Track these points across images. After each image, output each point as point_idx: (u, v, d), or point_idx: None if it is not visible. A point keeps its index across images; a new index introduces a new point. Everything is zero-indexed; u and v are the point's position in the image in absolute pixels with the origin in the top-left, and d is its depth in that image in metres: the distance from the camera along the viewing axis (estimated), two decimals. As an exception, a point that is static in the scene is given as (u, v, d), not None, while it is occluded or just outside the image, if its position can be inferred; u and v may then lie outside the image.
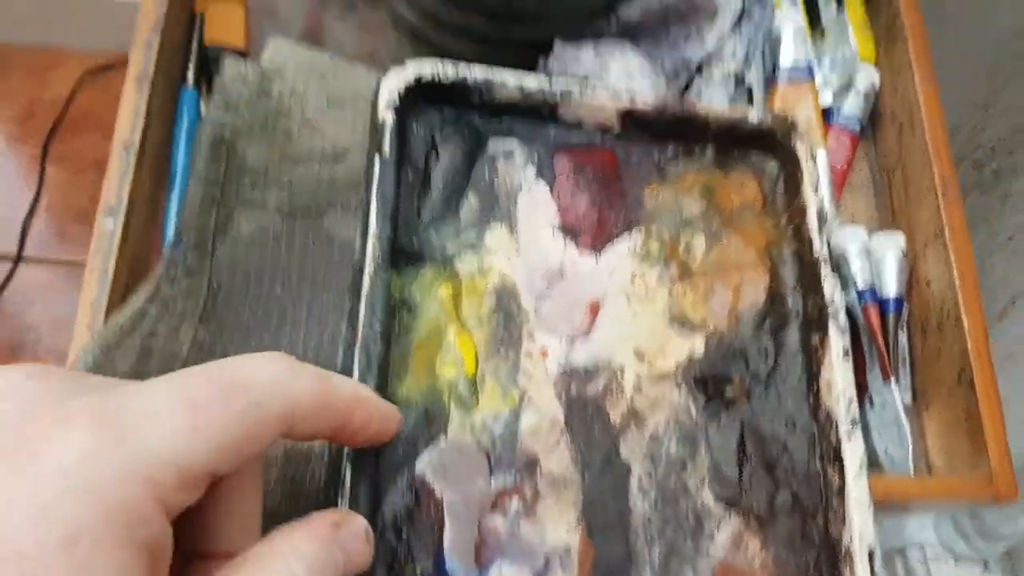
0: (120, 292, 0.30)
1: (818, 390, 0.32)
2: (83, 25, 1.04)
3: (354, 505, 0.24)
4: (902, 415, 0.35)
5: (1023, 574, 0.65)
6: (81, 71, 1.05)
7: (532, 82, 0.34)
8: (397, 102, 0.31)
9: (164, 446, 0.14)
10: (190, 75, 0.36)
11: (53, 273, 0.98)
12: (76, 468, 0.13)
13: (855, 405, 0.31)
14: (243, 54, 0.37)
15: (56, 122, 1.03)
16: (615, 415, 0.31)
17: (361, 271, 0.28)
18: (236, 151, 0.33)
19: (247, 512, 0.18)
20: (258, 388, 0.16)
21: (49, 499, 0.12)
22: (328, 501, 0.24)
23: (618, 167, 0.36)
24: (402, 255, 0.31)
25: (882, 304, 0.38)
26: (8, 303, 0.95)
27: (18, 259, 0.95)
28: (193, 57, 0.36)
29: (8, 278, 0.94)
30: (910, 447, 0.35)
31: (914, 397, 0.38)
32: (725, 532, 0.29)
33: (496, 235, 0.33)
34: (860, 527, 0.29)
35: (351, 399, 0.19)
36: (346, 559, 0.16)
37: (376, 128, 0.31)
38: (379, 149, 0.30)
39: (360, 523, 0.17)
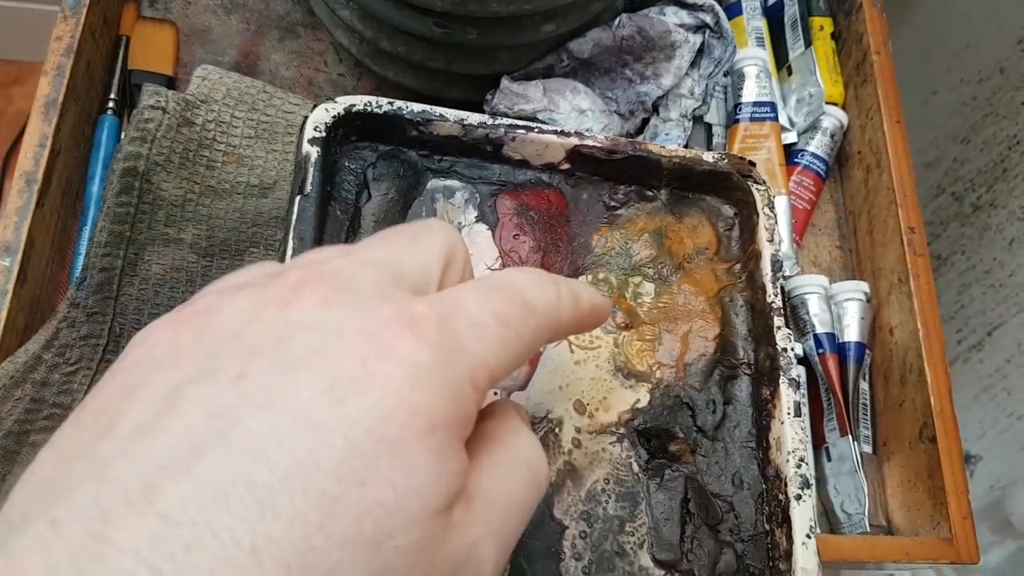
0: (17, 335, 0.28)
1: (767, 446, 0.31)
2: (48, 39, 1.02)
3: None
4: (860, 470, 0.34)
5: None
6: (46, 85, 1.04)
7: (474, 117, 0.32)
8: (323, 136, 0.30)
9: (484, 357, 0.16)
10: (112, 102, 0.34)
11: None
12: (430, 367, 0.14)
13: (806, 466, 0.30)
14: (172, 80, 0.36)
15: (17, 136, 1.01)
16: (550, 472, 0.29)
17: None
18: (151, 184, 0.31)
19: None
20: (541, 312, 0.17)
21: (413, 395, 0.14)
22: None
23: (566, 209, 0.35)
24: (324, 300, 0.29)
25: (843, 351, 0.37)
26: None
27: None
28: (116, 83, 0.35)
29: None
30: (867, 503, 0.33)
31: (874, 448, 0.36)
32: (663, 600, 0.28)
33: (430, 278, 0.32)
34: (806, 596, 0.27)
35: (590, 310, 0.20)
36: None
37: (299, 164, 0.29)
38: (301, 187, 0.28)
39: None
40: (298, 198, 0.29)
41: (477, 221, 0.33)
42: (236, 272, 0.17)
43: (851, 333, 0.37)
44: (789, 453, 0.30)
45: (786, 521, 0.29)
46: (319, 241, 0.29)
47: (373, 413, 0.13)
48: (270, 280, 0.16)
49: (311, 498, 0.12)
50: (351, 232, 0.31)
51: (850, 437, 0.35)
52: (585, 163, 0.34)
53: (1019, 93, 0.56)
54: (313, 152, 0.30)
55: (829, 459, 0.36)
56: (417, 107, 0.32)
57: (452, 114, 0.33)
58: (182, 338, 0.15)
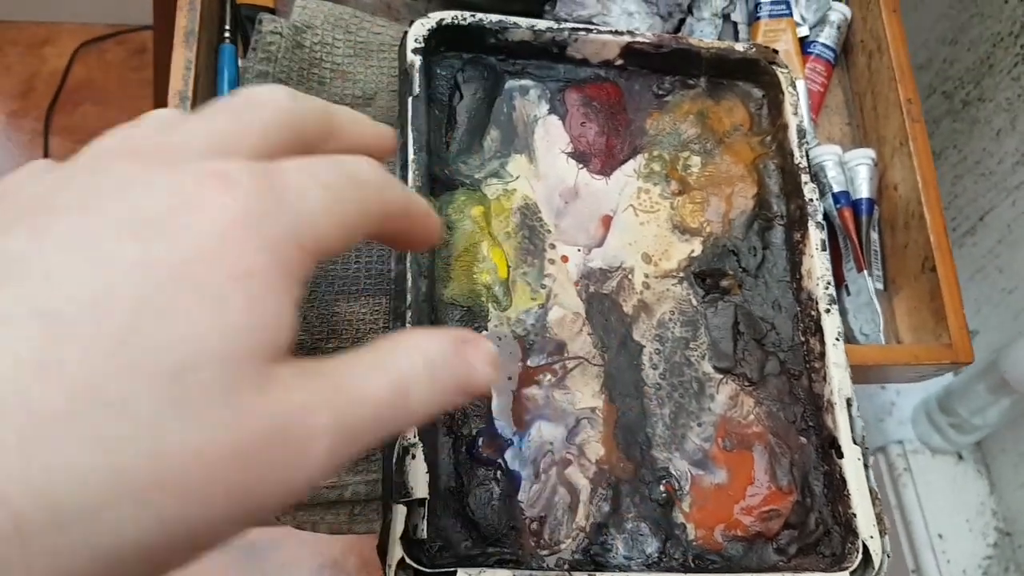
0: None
1: (800, 277, 0.38)
2: (76, 0, 1.06)
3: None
4: (874, 298, 0.41)
5: (993, 462, 0.72)
6: (76, 44, 1.07)
7: (542, 23, 0.38)
8: (423, 47, 0.36)
9: (311, 218, 0.15)
10: (227, 33, 0.40)
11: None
12: (245, 222, 0.14)
13: (832, 287, 0.37)
14: (272, 12, 0.41)
15: (55, 95, 1.05)
16: (627, 307, 0.37)
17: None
18: (284, 98, 0.37)
19: None
20: (372, 185, 0.17)
21: (223, 243, 0.13)
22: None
23: (622, 99, 0.41)
24: (437, 182, 0.36)
25: (855, 207, 0.44)
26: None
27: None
28: (228, 17, 0.40)
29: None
30: (881, 323, 0.41)
31: (885, 286, 0.44)
32: (724, 393, 0.35)
33: (517, 163, 0.38)
34: (839, 382, 0.35)
35: (403, 204, 0.19)
36: (466, 373, 0.16)
37: (405, 71, 0.35)
38: (410, 89, 0.35)
39: (488, 345, 0.17)
40: (410, 99, 0.35)
41: (549, 113, 0.40)
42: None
43: (862, 191, 0.44)
44: (818, 279, 0.37)
45: (819, 330, 0.36)
46: (428, 136, 0.36)
47: (178, 253, 0.13)
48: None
49: (105, 325, 0.12)
50: (449, 129, 0.37)
51: (865, 272, 0.42)
52: (636, 58, 0.40)
53: (1002, -9, 0.60)
54: (417, 60, 0.36)
55: (848, 294, 0.43)
56: (495, 17, 0.38)
57: (524, 22, 0.38)
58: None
